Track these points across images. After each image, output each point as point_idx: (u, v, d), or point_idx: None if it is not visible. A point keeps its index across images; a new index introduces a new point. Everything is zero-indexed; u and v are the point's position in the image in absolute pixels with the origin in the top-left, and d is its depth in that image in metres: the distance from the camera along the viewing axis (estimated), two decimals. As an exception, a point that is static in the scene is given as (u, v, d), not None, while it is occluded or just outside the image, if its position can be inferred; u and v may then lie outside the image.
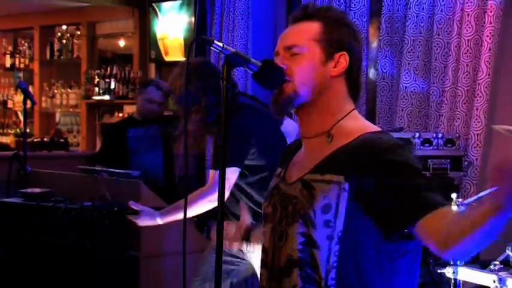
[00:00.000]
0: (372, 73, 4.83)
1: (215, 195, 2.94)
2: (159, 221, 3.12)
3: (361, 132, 1.77)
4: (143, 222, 3.16)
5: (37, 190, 4.14)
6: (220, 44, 1.81)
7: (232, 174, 3.01)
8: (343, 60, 1.79)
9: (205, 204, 3.06)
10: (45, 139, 6.56)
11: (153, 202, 4.03)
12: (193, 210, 3.09)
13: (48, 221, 3.91)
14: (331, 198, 1.68)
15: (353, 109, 1.84)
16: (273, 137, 3.27)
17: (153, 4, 6.03)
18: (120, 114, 6.76)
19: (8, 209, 4.12)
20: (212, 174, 3.09)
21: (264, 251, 1.84)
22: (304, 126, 1.84)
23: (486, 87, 4.10)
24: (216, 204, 2.97)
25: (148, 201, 4.00)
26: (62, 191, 4.10)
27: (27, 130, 5.52)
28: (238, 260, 3.28)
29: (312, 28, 1.80)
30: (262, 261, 1.85)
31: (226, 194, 3.01)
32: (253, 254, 3.19)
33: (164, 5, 5.96)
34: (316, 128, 1.80)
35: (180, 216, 3.04)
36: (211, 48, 1.83)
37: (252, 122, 3.17)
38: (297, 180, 1.78)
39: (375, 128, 1.83)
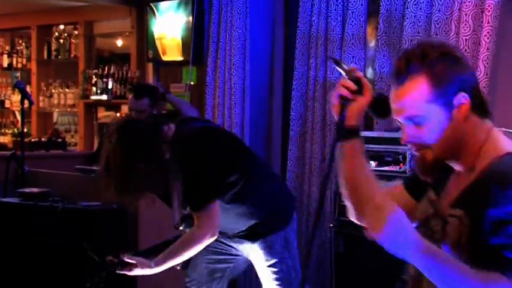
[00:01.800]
0: (369, 73, 4.83)
1: (209, 236, 2.94)
2: (155, 270, 3.02)
3: (490, 159, 1.73)
4: (139, 272, 3.06)
5: (35, 190, 4.14)
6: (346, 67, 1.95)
7: (217, 208, 2.95)
8: (464, 100, 1.72)
9: (200, 247, 3.00)
10: (42, 139, 6.56)
11: (151, 203, 4.03)
12: (188, 255, 3.03)
13: (46, 221, 3.91)
14: (458, 232, 1.70)
15: (490, 129, 1.79)
16: (228, 143, 3.19)
17: (150, 4, 6.03)
18: (117, 114, 6.76)
19: (6, 209, 4.12)
20: (198, 217, 2.96)
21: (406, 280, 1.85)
22: (453, 172, 1.82)
23: (484, 87, 4.10)
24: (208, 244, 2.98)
25: (146, 201, 4.00)
26: (59, 191, 4.10)
27: (25, 130, 5.52)
28: (232, 257, 3.27)
29: (420, 89, 1.70)
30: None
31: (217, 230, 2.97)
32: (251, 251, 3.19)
33: (162, 4, 5.95)
34: (466, 166, 1.77)
35: (175, 262, 3.01)
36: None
37: (213, 147, 3.04)
38: (441, 214, 1.79)
39: (505, 149, 1.75)
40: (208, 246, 3.06)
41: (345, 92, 1.90)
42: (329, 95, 4.88)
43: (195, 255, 3.18)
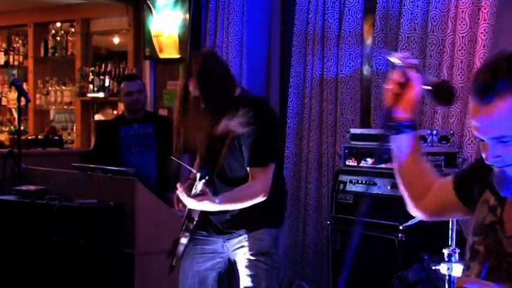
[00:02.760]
0: (366, 70, 4.83)
1: (262, 195, 3.06)
2: (217, 207, 3.05)
3: None
4: (202, 205, 3.02)
5: (31, 187, 4.13)
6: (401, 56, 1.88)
7: (271, 171, 3.11)
8: None
9: (252, 202, 3.08)
10: (39, 136, 6.55)
11: (148, 200, 4.04)
12: (241, 205, 3.10)
13: (43, 219, 3.90)
14: None
15: None
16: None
17: (147, 1, 6.02)
18: (115, 112, 6.75)
19: (2, 207, 4.11)
20: (257, 173, 3.08)
21: None
22: None
23: (480, 84, 4.11)
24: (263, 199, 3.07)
25: (143, 198, 4.00)
26: (56, 189, 4.10)
27: (22, 127, 5.51)
28: (219, 260, 3.26)
29: (507, 108, 1.59)
30: None
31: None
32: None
33: (158, 2, 5.95)
34: None
35: (232, 207, 3.10)
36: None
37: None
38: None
39: None
40: (196, 250, 3.14)
41: (393, 86, 1.85)
42: (326, 92, 4.89)
43: (184, 265, 3.20)
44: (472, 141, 4.15)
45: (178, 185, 3.06)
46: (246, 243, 3.17)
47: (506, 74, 1.59)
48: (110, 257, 3.85)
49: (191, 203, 3.01)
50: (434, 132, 4.06)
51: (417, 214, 2.00)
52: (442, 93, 1.82)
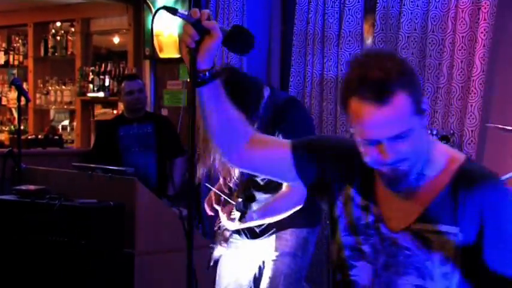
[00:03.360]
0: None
1: (302, 200, 2.96)
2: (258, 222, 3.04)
3: (451, 165, 1.70)
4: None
5: (32, 187, 4.13)
6: (185, 12, 1.78)
7: None
8: (426, 106, 1.69)
9: (294, 210, 3.01)
10: (39, 136, 6.55)
11: (148, 199, 4.04)
12: (280, 216, 3.02)
13: (43, 218, 3.90)
14: (448, 249, 1.65)
15: (428, 135, 1.76)
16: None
17: (147, 1, 6.02)
18: (115, 111, 6.76)
19: (3, 206, 4.11)
20: None
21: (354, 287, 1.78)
22: None
23: (480, 84, 4.11)
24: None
25: (143, 198, 4.00)
26: (56, 188, 4.10)
27: (22, 127, 5.52)
28: (252, 265, 3.25)
29: (404, 104, 1.61)
30: None
31: None
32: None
33: (158, 1, 5.95)
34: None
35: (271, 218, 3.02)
36: (177, 16, 1.77)
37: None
38: (404, 229, 1.70)
39: (458, 155, 1.75)
40: (230, 254, 3.15)
41: (187, 40, 1.75)
42: (326, 92, 4.89)
43: (220, 270, 3.19)
44: (472, 140, 4.15)
45: (212, 194, 3.07)
46: (273, 243, 3.11)
47: (395, 70, 1.61)
48: (110, 257, 3.85)
49: (232, 225, 3.04)
50: (435, 131, 4.06)
51: (235, 159, 1.91)
52: (240, 36, 1.80)
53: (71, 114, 7.38)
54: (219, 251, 3.20)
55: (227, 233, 3.14)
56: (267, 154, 1.90)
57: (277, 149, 1.90)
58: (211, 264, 3.19)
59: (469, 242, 1.63)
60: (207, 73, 1.79)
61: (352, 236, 1.78)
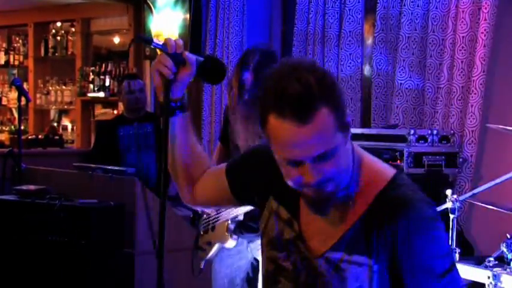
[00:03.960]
0: (366, 70, 4.83)
1: None
2: None
3: (377, 188, 1.60)
4: None
5: (32, 187, 4.13)
6: (161, 42, 1.78)
7: None
8: (349, 118, 1.58)
9: None
10: (39, 136, 6.55)
11: (148, 199, 4.03)
12: None
13: (43, 218, 3.90)
14: (363, 280, 1.58)
15: (353, 148, 1.63)
16: None
17: (147, 1, 6.02)
18: (115, 111, 6.76)
19: (3, 206, 4.11)
20: None
21: None
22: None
23: (481, 84, 4.11)
24: None
25: (143, 198, 4.00)
26: (56, 188, 4.10)
27: (22, 127, 5.51)
28: (247, 260, 3.26)
29: (327, 121, 1.49)
30: None
31: None
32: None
33: (159, 1, 5.94)
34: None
35: None
36: (152, 47, 1.80)
37: None
38: (320, 256, 1.63)
39: (385, 174, 1.63)
40: (223, 252, 3.16)
41: (165, 71, 1.73)
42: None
43: (214, 267, 3.21)
44: (472, 140, 4.15)
45: None
46: None
47: (316, 83, 1.47)
48: (110, 257, 3.85)
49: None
50: (435, 132, 4.06)
51: (188, 199, 1.93)
52: (213, 67, 1.78)
53: (64, 114, 7.38)
54: (214, 250, 3.19)
55: (232, 226, 3.15)
56: (213, 188, 1.89)
57: (218, 180, 1.86)
58: (202, 267, 3.20)
59: (384, 272, 1.57)
60: (178, 102, 1.79)
61: (275, 251, 1.71)
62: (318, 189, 1.54)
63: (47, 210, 3.88)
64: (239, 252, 3.24)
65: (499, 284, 2.76)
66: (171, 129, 1.78)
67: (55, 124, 7.43)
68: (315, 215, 1.62)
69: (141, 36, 1.72)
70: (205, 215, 3.27)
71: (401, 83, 4.45)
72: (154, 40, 1.79)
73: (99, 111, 7.13)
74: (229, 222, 3.15)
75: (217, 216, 3.21)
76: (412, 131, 4.01)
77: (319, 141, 1.48)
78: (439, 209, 3.11)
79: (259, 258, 3.18)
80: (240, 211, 3.09)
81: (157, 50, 1.78)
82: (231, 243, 3.15)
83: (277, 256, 1.71)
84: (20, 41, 7.63)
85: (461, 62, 4.19)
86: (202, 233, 3.27)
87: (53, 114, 7.57)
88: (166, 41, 1.75)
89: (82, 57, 6.86)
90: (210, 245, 3.21)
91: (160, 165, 5.10)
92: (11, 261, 4.05)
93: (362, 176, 1.60)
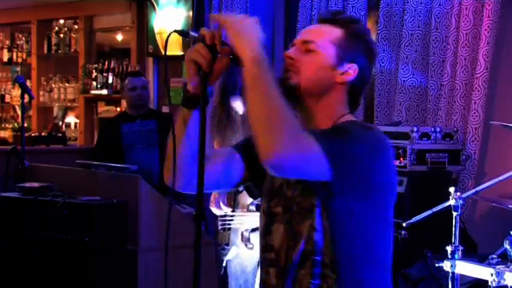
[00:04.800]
0: (370, 67, 4.82)
1: None
2: None
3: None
4: None
5: (35, 184, 4.13)
6: (196, 34, 1.77)
7: None
8: (351, 71, 1.82)
9: None
10: (43, 133, 6.56)
11: (151, 197, 4.04)
12: None
13: (47, 216, 3.91)
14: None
15: (348, 112, 1.86)
16: None
17: (150, -2, 6.02)
18: (118, 109, 6.76)
19: (6, 204, 4.12)
20: None
21: (273, 251, 1.85)
22: (304, 123, 1.82)
23: (484, 81, 4.10)
24: None
25: (146, 195, 4.00)
26: (60, 186, 4.10)
27: (25, 124, 5.52)
28: None
29: (334, 32, 1.83)
30: (270, 260, 1.85)
31: None
32: None
33: (162, -1, 5.95)
34: (314, 127, 1.82)
35: None
36: (190, 37, 1.77)
37: None
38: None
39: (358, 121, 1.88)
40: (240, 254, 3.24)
41: (202, 62, 1.74)
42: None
43: (231, 270, 3.24)
44: (475, 137, 4.14)
45: None
46: None
47: (350, 19, 1.90)
48: (114, 254, 3.85)
49: (217, 211, 3.19)
50: (438, 129, 4.06)
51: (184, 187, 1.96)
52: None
53: (67, 111, 7.39)
54: (232, 252, 3.23)
55: (246, 234, 3.17)
56: (219, 167, 1.92)
57: (224, 157, 1.93)
58: (224, 265, 3.23)
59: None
60: (197, 96, 1.79)
61: (267, 202, 1.90)
62: (286, 69, 1.83)
63: (50, 207, 3.89)
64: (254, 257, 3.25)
65: (502, 281, 2.76)
66: (189, 121, 1.81)
67: (60, 123, 7.44)
68: None
69: (177, 29, 1.71)
70: (220, 219, 3.29)
71: (404, 80, 4.45)
72: (191, 32, 1.78)
73: (102, 109, 7.14)
74: (245, 230, 3.17)
75: (232, 216, 3.22)
76: (415, 128, 4.01)
77: (316, 34, 1.83)
78: (442, 206, 3.11)
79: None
80: (254, 224, 3.11)
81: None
82: (245, 251, 3.16)
83: (269, 205, 1.88)
84: (23, 38, 7.63)
85: (465, 59, 4.18)
86: (221, 230, 3.28)
87: (56, 111, 7.58)
88: (204, 32, 1.75)
89: (85, 54, 6.86)
90: (228, 246, 3.24)
91: (162, 162, 5.10)
92: (14, 259, 4.06)
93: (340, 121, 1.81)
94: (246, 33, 1.71)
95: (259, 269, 3.20)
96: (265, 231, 1.88)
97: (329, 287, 1.75)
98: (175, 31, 1.77)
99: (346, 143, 1.71)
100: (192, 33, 1.77)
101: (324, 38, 1.82)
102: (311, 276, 1.76)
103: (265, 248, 1.88)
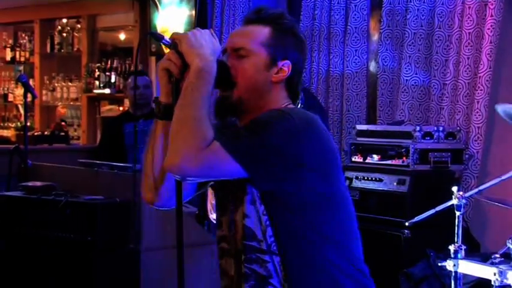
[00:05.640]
0: (372, 66, 4.82)
1: None
2: None
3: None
4: None
5: (38, 184, 4.13)
6: (168, 43, 1.80)
7: None
8: (286, 68, 1.84)
9: None
10: (45, 133, 6.56)
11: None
12: None
13: (49, 215, 3.91)
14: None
15: (289, 104, 1.87)
16: None
17: (153, -3, 6.02)
18: (121, 108, 6.77)
19: (9, 203, 4.12)
20: None
21: (225, 241, 1.88)
22: (242, 125, 1.86)
23: (487, 80, 4.09)
24: None
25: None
26: (62, 185, 4.10)
27: (28, 124, 5.52)
28: None
29: (262, 32, 1.84)
30: (225, 250, 1.88)
31: None
32: None
33: (165, -2, 5.95)
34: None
35: None
36: (162, 44, 1.81)
37: None
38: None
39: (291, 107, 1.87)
40: None
41: (173, 69, 1.79)
42: (331, 88, 4.88)
43: None
44: (478, 137, 4.14)
45: None
46: None
47: (276, 15, 1.89)
48: (116, 253, 3.86)
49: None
50: (441, 128, 4.06)
51: (153, 198, 2.01)
52: (221, 71, 1.80)
53: (70, 110, 7.39)
54: None
55: None
56: None
57: None
58: None
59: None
60: (168, 105, 1.84)
61: (221, 192, 1.93)
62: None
63: (52, 206, 3.89)
64: None
65: (505, 280, 2.75)
66: (162, 131, 1.85)
67: (64, 121, 7.45)
68: None
69: (154, 32, 1.73)
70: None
71: (407, 80, 4.44)
72: (165, 37, 1.80)
73: (105, 108, 7.14)
74: None
75: None
76: (418, 128, 4.00)
77: (245, 38, 1.83)
78: (444, 205, 3.11)
79: None
80: None
81: (163, 47, 1.79)
82: None
83: (219, 198, 1.92)
84: (26, 37, 7.64)
85: (468, 58, 4.17)
86: None
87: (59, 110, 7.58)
88: (176, 37, 1.78)
89: (88, 53, 6.87)
90: None
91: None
92: (16, 258, 4.07)
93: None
94: (197, 43, 1.76)
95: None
96: (219, 223, 1.92)
97: (267, 272, 1.77)
98: (150, 34, 1.82)
99: (257, 137, 1.70)
100: (165, 40, 1.80)
101: (253, 41, 1.82)
102: (248, 261, 1.79)
103: (220, 239, 1.90)
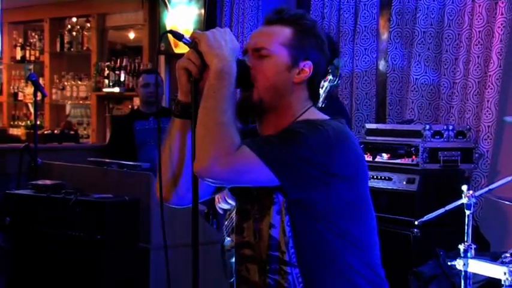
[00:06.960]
0: (382, 65, 4.81)
1: None
2: None
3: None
4: None
5: (48, 182, 4.15)
6: (189, 41, 1.78)
7: None
8: (307, 68, 1.83)
9: None
10: (55, 131, 6.58)
11: (163, 194, 4.04)
12: None
13: (59, 213, 3.92)
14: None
15: (311, 106, 1.87)
16: None
17: (162, -4, 6.03)
18: (130, 106, 6.78)
19: (19, 201, 4.14)
20: None
21: (250, 247, 1.87)
22: (263, 127, 1.85)
23: (497, 79, 4.08)
24: None
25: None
26: (72, 183, 4.12)
27: (38, 122, 5.54)
28: None
29: (284, 33, 1.83)
30: (248, 256, 1.87)
31: None
32: None
33: (174, -3, 5.96)
34: (275, 129, 1.81)
35: None
36: (182, 42, 1.79)
37: None
38: None
39: (321, 117, 1.86)
40: None
41: (192, 68, 1.76)
42: (341, 87, 4.87)
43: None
44: (488, 136, 4.12)
45: None
46: None
47: (298, 16, 1.86)
48: (126, 252, 3.87)
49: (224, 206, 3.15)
50: (451, 127, 4.04)
51: (172, 199, 2.01)
52: (242, 70, 1.79)
53: (79, 109, 7.41)
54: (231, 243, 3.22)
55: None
56: None
57: None
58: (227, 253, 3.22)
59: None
60: (187, 104, 1.81)
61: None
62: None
63: (62, 205, 3.90)
64: None
65: (515, 280, 2.74)
66: (181, 131, 1.84)
67: (74, 120, 7.47)
68: None
69: (173, 31, 1.70)
70: (226, 222, 3.29)
71: (416, 78, 4.43)
72: (185, 36, 1.78)
73: (114, 106, 7.16)
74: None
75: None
76: (427, 127, 3.99)
77: (266, 38, 1.82)
78: (454, 204, 3.10)
79: None
80: None
81: (172, 46, 1.77)
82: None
83: (241, 204, 1.92)
84: (36, 36, 7.67)
85: (478, 56, 4.16)
86: (226, 234, 3.29)
87: (68, 109, 7.60)
88: (196, 36, 1.76)
89: (97, 52, 6.89)
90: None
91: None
92: (26, 256, 4.08)
93: (303, 117, 1.82)
94: (215, 43, 1.74)
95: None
96: (239, 229, 1.90)
97: (288, 283, 1.77)
98: (170, 32, 1.79)
99: (289, 147, 1.70)
100: (185, 39, 1.78)
101: (275, 41, 1.81)
102: (272, 272, 1.79)
103: (241, 245, 1.89)
